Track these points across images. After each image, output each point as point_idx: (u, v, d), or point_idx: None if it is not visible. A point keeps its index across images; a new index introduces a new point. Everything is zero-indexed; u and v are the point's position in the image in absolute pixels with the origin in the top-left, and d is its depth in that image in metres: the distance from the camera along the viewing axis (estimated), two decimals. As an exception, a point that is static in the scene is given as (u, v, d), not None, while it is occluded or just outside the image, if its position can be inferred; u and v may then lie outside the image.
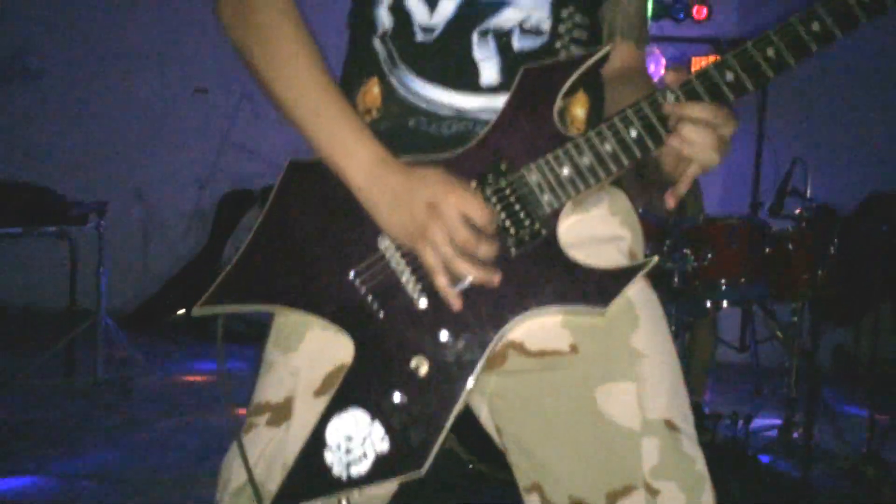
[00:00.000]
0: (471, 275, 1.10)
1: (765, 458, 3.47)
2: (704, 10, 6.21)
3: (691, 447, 1.15)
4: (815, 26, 1.08)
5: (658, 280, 3.42)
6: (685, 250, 3.37)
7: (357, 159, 1.12)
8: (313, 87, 1.14)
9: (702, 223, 3.56)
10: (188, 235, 6.79)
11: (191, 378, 4.81)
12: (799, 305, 3.86)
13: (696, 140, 1.10)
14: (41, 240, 4.43)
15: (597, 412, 1.14)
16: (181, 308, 6.01)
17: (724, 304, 3.57)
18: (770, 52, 1.09)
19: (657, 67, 6.05)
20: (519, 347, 1.16)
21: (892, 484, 3.35)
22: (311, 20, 1.18)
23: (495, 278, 1.11)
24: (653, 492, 1.12)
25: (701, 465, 1.15)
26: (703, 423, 3.88)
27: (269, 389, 1.20)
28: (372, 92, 1.21)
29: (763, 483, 3.24)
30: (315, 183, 1.17)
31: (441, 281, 1.10)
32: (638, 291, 1.17)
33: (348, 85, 1.24)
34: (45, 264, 5.30)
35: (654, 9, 6.19)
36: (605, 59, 1.18)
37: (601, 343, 1.15)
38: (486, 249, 1.10)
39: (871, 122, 6.27)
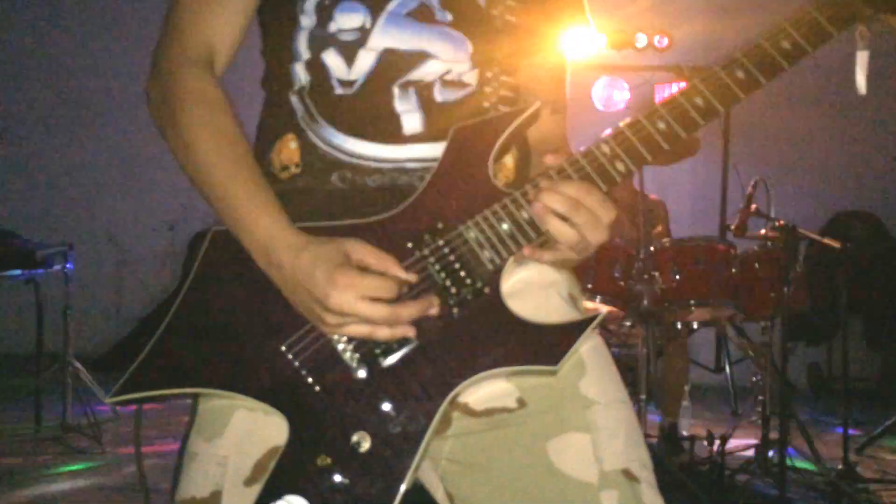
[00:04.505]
0: (395, 335, 1.04)
1: (742, 478, 3.47)
2: (666, 39, 6.32)
3: (652, 496, 1.11)
4: (699, 102, 1.10)
5: (628, 303, 3.45)
6: (653, 273, 3.39)
7: (255, 240, 1.08)
8: (220, 170, 1.11)
9: (669, 246, 3.60)
10: (161, 276, 6.73)
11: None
12: (768, 324, 3.91)
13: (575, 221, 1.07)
14: (7, 284, 4.37)
15: (551, 467, 1.09)
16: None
17: (695, 325, 3.60)
18: (661, 125, 1.10)
19: (622, 95, 6.14)
20: (464, 408, 1.10)
21: (867, 499, 3.37)
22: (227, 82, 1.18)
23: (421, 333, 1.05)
24: None
25: None
26: (680, 444, 3.90)
27: (194, 484, 1.11)
28: (288, 148, 1.19)
29: (741, 503, 3.24)
30: (242, 252, 1.10)
31: (384, 334, 1.04)
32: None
33: (262, 142, 1.21)
34: (11, 309, 5.23)
35: (615, 39, 6.29)
36: (535, 116, 1.15)
37: (549, 395, 1.11)
38: (406, 310, 1.04)
39: (832, 145, 6.40)
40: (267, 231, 1.07)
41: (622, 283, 3.45)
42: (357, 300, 1.01)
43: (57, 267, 4.20)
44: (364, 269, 1.05)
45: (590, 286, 3.45)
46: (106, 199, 6.71)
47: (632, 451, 1.12)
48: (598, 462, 1.09)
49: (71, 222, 6.34)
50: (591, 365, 1.14)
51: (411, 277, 1.06)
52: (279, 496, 1.02)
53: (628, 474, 1.09)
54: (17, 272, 4.17)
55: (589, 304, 3.37)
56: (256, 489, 1.05)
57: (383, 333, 1.04)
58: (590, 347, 1.15)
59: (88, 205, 6.66)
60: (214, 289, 1.11)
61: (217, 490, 1.09)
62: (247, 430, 1.09)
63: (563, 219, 1.07)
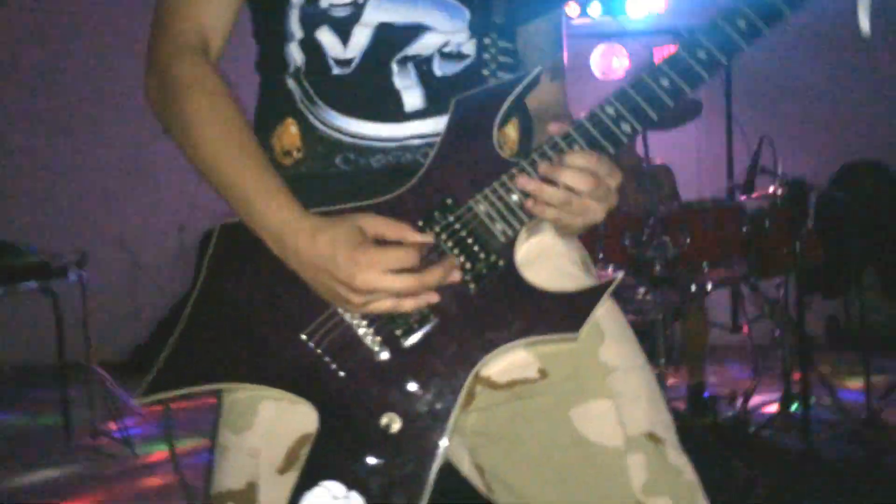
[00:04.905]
0: (421, 302, 1.05)
1: (767, 434, 3.49)
2: (663, 2, 6.28)
3: (677, 457, 1.11)
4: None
5: (641, 270, 3.46)
6: (664, 238, 3.40)
7: (268, 227, 1.08)
8: (226, 158, 1.10)
9: (677, 209, 3.60)
10: (174, 277, 6.77)
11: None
12: (783, 280, 3.91)
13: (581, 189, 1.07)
14: (24, 296, 4.41)
15: (576, 436, 1.09)
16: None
17: (710, 286, 3.61)
18: (665, 82, 1.08)
19: (620, 62, 6.12)
20: (487, 381, 1.11)
21: (893, 445, 3.38)
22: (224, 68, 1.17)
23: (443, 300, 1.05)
24: None
25: (690, 474, 1.11)
26: (704, 405, 3.92)
27: (228, 477, 1.12)
28: (289, 132, 1.17)
29: (768, 458, 3.26)
30: (251, 244, 1.10)
31: (409, 304, 1.05)
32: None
33: (261, 129, 1.19)
34: (29, 320, 5.29)
35: (612, 5, 6.26)
36: (536, 81, 1.14)
37: (570, 364, 1.11)
38: (431, 276, 1.04)
39: (836, 96, 6.35)
40: (279, 217, 1.07)
41: (633, 251, 3.46)
42: (382, 275, 1.02)
43: (72, 276, 4.23)
44: (381, 243, 1.05)
45: (601, 256, 3.46)
46: (113, 204, 6.73)
47: (654, 414, 1.12)
48: (622, 427, 1.09)
49: (80, 229, 6.36)
50: (609, 332, 1.14)
51: (428, 238, 1.07)
52: (315, 482, 1.04)
53: (653, 437, 1.10)
54: (33, 284, 4.21)
55: (604, 273, 3.38)
56: (291, 476, 1.06)
57: (409, 304, 1.05)
58: (607, 314, 1.15)
59: (96, 210, 6.69)
60: (229, 282, 1.12)
61: (252, 481, 1.10)
62: (275, 420, 1.10)
63: (570, 189, 1.07)
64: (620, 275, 1.12)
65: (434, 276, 1.05)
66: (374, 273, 1.02)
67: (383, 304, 1.05)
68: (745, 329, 4.33)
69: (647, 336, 3.52)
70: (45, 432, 4.29)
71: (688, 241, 3.42)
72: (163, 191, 6.67)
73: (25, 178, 6.73)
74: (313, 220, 1.07)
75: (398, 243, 1.06)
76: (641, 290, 3.71)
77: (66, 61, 6.75)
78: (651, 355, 3.39)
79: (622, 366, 1.13)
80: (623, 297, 3.64)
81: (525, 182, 1.08)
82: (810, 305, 4.69)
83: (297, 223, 1.06)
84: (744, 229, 3.56)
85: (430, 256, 1.08)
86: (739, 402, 3.72)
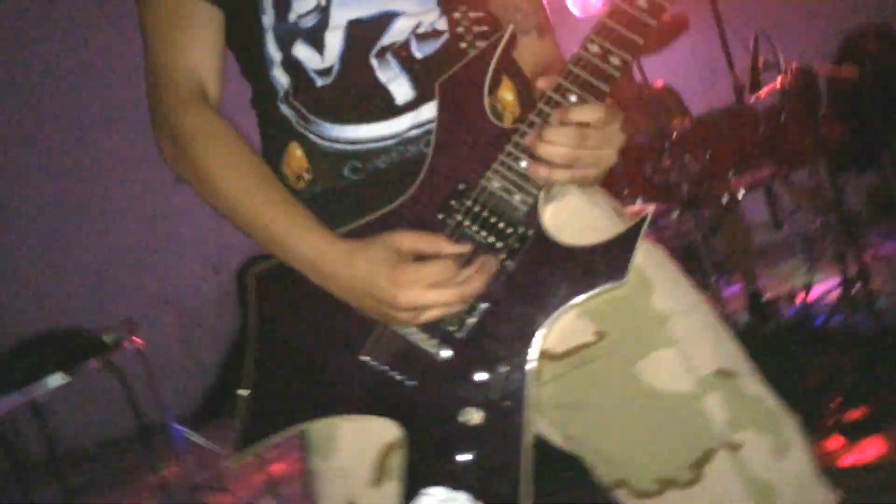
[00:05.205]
0: (471, 299, 1.06)
1: (834, 323, 3.46)
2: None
3: (754, 386, 1.11)
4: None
5: (669, 194, 3.44)
6: (684, 158, 3.37)
7: (303, 259, 1.09)
8: (248, 199, 1.12)
9: (691, 127, 3.57)
10: (221, 317, 6.84)
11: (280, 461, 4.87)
12: (813, 167, 3.86)
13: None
14: (89, 377, 4.50)
15: (647, 389, 1.09)
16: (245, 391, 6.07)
17: (741, 194, 3.58)
18: (642, 2, 1.07)
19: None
20: (546, 354, 1.11)
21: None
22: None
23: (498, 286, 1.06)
24: (734, 447, 1.08)
25: (770, 401, 1.11)
26: (766, 310, 3.89)
27: (328, 500, 1.17)
28: (294, 156, 1.17)
29: (841, 346, 3.23)
30: (289, 282, 1.11)
31: (457, 308, 1.07)
32: (640, 252, 1.11)
33: (270, 161, 1.20)
34: (102, 396, 5.39)
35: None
36: (513, 40, 1.13)
37: (625, 320, 1.11)
38: (477, 281, 1.05)
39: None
40: (312, 248, 1.08)
41: (657, 178, 3.44)
42: (425, 291, 1.03)
43: (127, 345, 4.31)
44: (417, 257, 1.06)
45: (626, 192, 3.45)
46: (145, 260, 6.81)
47: (721, 350, 1.12)
48: (691, 371, 1.09)
49: (119, 292, 6.45)
50: (656, 279, 1.14)
51: (464, 248, 1.07)
52: (418, 492, 1.07)
53: (724, 373, 1.10)
54: (93, 363, 4.27)
55: (634, 208, 3.37)
56: (387, 486, 1.10)
57: (456, 307, 1.06)
58: (650, 262, 1.15)
59: (129, 270, 6.76)
60: (280, 326, 1.14)
61: (351, 500, 1.14)
62: (356, 438, 1.13)
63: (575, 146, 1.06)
64: (650, 209, 1.11)
65: (475, 281, 1.05)
66: (416, 291, 1.03)
67: (431, 314, 1.06)
68: (787, 226, 4.29)
69: (693, 257, 3.50)
70: (142, 497, 4.39)
71: (708, 155, 3.40)
72: (190, 236, 6.73)
73: (46, 257, 6.79)
74: (345, 244, 1.08)
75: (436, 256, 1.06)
76: (675, 214, 3.69)
77: (75, 115, 6.76)
78: (700, 275, 3.37)
79: (677, 310, 1.13)
80: (659, 226, 3.63)
81: (529, 140, 1.07)
82: (846, 185, 4.62)
83: (330, 252, 1.08)
84: (761, 129, 3.52)
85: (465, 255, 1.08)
86: (800, 298, 3.69)
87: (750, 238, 4.22)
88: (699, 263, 3.37)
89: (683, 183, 3.37)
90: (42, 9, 6.54)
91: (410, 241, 1.06)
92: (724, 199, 3.51)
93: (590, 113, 1.06)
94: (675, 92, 4.51)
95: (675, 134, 3.43)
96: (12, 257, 6.75)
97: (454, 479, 1.06)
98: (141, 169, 6.69)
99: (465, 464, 1.06)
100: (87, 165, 6.78)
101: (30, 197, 6.78)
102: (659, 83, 4.37)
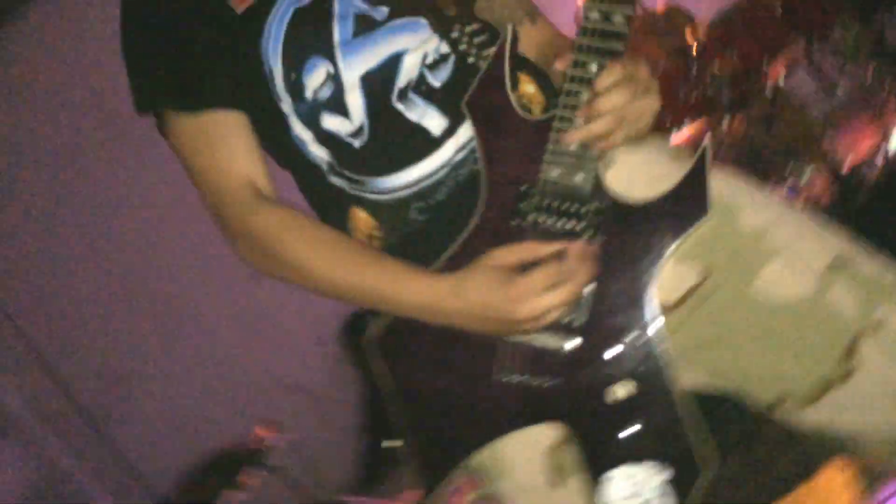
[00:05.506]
0: (579, 290, 1.09)
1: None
2: None
3: (870, 265, 1.12)
4: None
5: (712, 107, 3.39)
6: (713, 66, 3.33)
7: (413, 307, 1.12)
8: (341, 273, 1.15)
9: (706, 35, 3.52)
10: (343, 385, 6.87)
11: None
12: (844, 20, 3.73)
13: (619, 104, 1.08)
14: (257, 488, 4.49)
15: (769, 305, 1.11)
16: (395, 442, 6.09)
17: (782, 79, 3.50)
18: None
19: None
20: (663, 308, 1.13)
21: None
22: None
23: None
24: (876, 327, 1.09)
25: (889, 273, 1.12)
26: (851, 181, 3.78)
27: None
28: (360, 219, 1.21)
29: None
30: (406, 337, 1.16)
31: (572, 299, 1.10)
32: (712, 182, 1.12)
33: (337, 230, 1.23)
34: (273, 492, 5.41)
35: None
36: (515, 38, 1.16)
37: (723, 250, 1.13)
38: (582, 268, 1.08)
39: None
40: (420, 292, 1.12)
41: (694, 97, 3.40)
42: (540, 299, 1.06)
43: (277, 443, 4.33)
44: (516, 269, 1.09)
45: (668, 123, 3.42)
46: (254, 357, 6.85)
47: (824, 243, 1.13)
48: (804, 273, 1.11)
49: (241, 396, 6.52)
50: (736, 200, 1.16)
51: (556, 247, 1.10)
52: (599, 480, 1.11)
53: (837, 263, 1.11)
54: (262, 472, 4.28)
55: (683, 134, 3.34)
56: (569, 482, 1.14)
57: (574, 298, 1.09)
58: (724, 186, 1.16)
59: (242, 370, 6.80)
60: (415, 375, 1.18)
61: None
62: (521, 452, 1.17)
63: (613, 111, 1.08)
64: (707, 140, 1.12)
65: (580, 270, 1.08)
66: (531, 300, 1.06)
67: (552, 316, 1.09)
68: (840, 88, 4.17)
69: (759, 159, 3.44)
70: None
71: (735, 55, 3.35)
72: (281, 319, 6.79)
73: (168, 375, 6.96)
74: (449, 280, 1.11)
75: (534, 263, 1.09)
76: (724, 123, 3.63)
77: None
78: (774, 172, 3.32)
79: (768, 221, 1.14)
80: (716, 141, 3.58)
81: (573, 137, 1.10)
82: (884, 24, 4.44)
83: (437, 291, 1.11)
84: (779, 9, 3.46)
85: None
86: (880, 156, 3.58)
87: (807, 116, 4.11)
88: (768, 162, 3.31)
89: (722, 90, 3.32)
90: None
91: (504, 256, 1.09)
92: (768, 90, 3.45)
93: (614, 75, 1.08)
94: (679, 9, 4.45)
95: (694, 48, 3.39)
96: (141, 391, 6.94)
97: (632, 455, 1.10)
98: (215, 267, 6.78)
99: (635, 437, 1.10)
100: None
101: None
102: (660, 5, 4.31)
